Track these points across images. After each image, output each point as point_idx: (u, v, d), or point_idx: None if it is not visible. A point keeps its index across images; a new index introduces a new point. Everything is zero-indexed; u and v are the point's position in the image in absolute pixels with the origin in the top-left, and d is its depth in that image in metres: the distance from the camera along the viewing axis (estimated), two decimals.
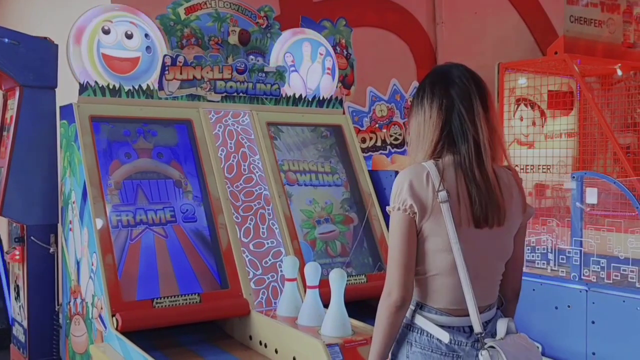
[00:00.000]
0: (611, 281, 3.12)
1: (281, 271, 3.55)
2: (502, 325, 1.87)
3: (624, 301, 3.02)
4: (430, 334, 1.87)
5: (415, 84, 5.41)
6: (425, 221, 1.82)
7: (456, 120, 1.85)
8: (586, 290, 3.17)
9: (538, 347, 3.39)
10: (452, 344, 1.85)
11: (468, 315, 1.84)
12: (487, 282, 1.92)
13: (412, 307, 1.91)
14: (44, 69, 3.79)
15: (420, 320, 1.89)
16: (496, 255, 1.93)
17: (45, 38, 3.86)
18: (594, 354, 3.13)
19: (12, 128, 3.78)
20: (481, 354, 1.80)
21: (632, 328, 2.98)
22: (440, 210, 1.81)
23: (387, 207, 1.90)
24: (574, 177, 3.32)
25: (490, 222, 1.85)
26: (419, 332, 1.89)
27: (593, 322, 3.14)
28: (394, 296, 1.83)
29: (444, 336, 1.85)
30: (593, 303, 3.14)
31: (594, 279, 3.18)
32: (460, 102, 1.86)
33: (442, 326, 1.86)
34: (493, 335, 1.87)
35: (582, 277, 3.20)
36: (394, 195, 1.86)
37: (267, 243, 3.68)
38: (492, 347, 1.79)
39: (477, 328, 1.84)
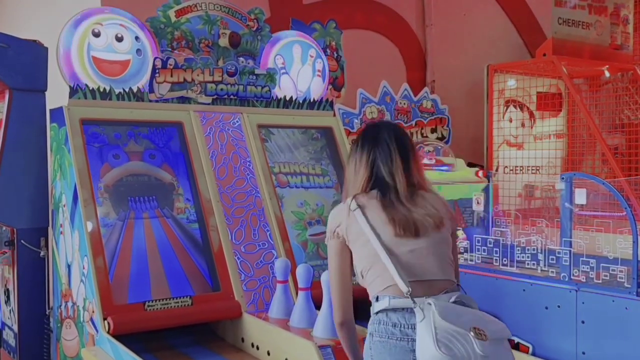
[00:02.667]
0: (600, 281, 3.14)
1: (273, 273, 3.55)
2: (452, 297, 2.06)
3: (613, 301, 3.04)
4: (386, 322, 2.05)
5: (406, 85, 5.44)
6: (349, 233, 2.16)
7: (380, 174, 2.22)
8: (576, 290, 3.19)
9: (528, 348, 3.41)
10: (405, 328, 2.02)
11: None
12: (427, 260, 2.12)
13: (372, 303, 2.14)
14: (33, 72, 3.77)
15: (374, 307, 2.10)
16: (432, 247, 2.16)
17: (35, 41, 3.84)
18: (584, 353, 3.15)
19: (2, 131, 3.76)
20: (415, 310, 1.98)
21: (622, 327, 3.01)
22: (355, 219, 2.14)
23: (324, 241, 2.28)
24: (563, 178, 3.34)
25: (417, 233, 2.14)
26: (377, 322, 2.08)
27: (583, 322, 3.16)
28: (337, 319, 2.24)
29: (402, 287, 2.02)
30: (583, 303, 3.16)
31: (583, 279, 3.20)
32: (383, 158, 2.23)
33: (394, 309, 2.05)
34: None
35: (572, 277, 3.22)
36: (327, 231, 2.24)
37: (259, 245, 3.69)
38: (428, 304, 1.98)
39: (404, 287, 2.02)
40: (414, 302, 2.00)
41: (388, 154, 2.23)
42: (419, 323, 1.95)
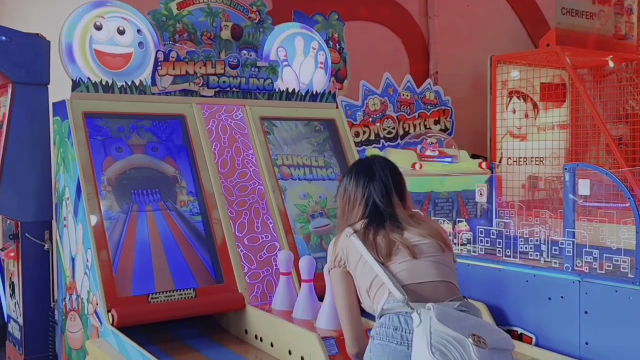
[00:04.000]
0: (604, 271, 3.13)
1: (276, 265, 3.56)
2: (456, 304, 2.08)
3: (616, 291, 3.04)
4: (387, 325, 2.05)
5: (408, 77, 5.43)
6: (351, 259, 2.21)
7: (375, 209, 2.29)
8: (579, 281, 3.19)
9: (531, 338, 3.41)
10: (406, 333, 2.01)
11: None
12: (428, 267, 2.16)
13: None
14: (36, 66, 3.77)
15: (381, 311, 2.11)
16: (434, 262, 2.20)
17: (37, 34, 3.85)
18: (587, 343, 3.15)
19: (5, 125, 3.77)
20: (413, 315, 1.97)
21: (625, 317, 3.00)
22: (354, 244, 2.20)
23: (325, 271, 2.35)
24: (566, 169, 3.34)
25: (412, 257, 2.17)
26: (380, 325, 2.09)
27: (586, 312, 3.16)
28: (351, 351, 2.21)
29: (397, 295, 2.06)
30: (586, 293, 3.16)
31: (586, 269, 3.20)
32: (379, 195, 2.31)
33: (397, 312, 2.06)
34: None
35: (575, 267, 3.22)
36: (328, 260, 2.31)
37: (262, 237, 3.69)
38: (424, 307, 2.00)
39: (397, 294, 2.06)
40: (410, 306, 2.02)
41: (384, 188, 2.33)
42: (416, 328, 1.92)
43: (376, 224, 2.25)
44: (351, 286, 2.23)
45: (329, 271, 2.30)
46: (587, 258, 3.21)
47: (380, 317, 2.12)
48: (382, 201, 2.30)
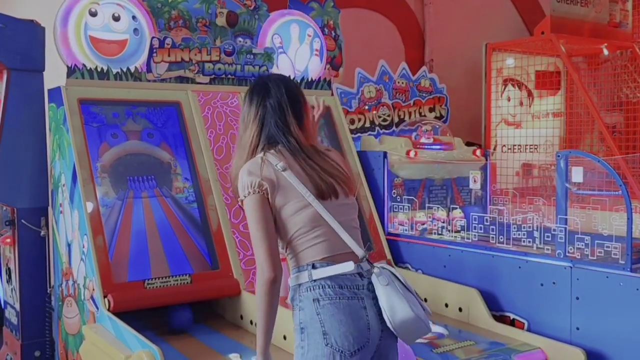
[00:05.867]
0: (595, 258, 3.17)
1: None
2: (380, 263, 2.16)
3: (607, 277, 3.07)
4: (332, 285, 2.04)
5: (404, 64, 5.43)
6: (277, 193, 2.07)
7: (273, 129, 2.16)
8: (571, 267, 3.22)
9: (523, 324, 3.45)
10: (354, 289, 2.06)
11: (349, 259, 2.08)
12: (349, 229, 2.15)
13: (305, 270, 2.08)
14: (31, 52, 3.77)
15: (318, 274, 2.06)
16: (351, 212, 2.23)
17: (32, 21, 3.84)
18: (578, 329, 3.19)
19: (1, 112, 3.77)
20: (374, 273, 2.07)
21: (615, 303, 3.04)
22: (285, 179, 2.08)
23: (239, 200, 2.14)
24: (559, 156, 3.36)
25: (336, 195, 2.16)
26: (321, 286, 2.05)
27: (577, 298, 3.20)
28: (266, 271, 2.03)
29: (348, 266, 2.05)
30: (577, 279, 3.19)
31: (578, 255, 3.23)
32: (274, 113, 2.17)
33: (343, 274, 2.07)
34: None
35: (567, 254, 3.25)
36: (241, 189, 2.10)
37: None
38: (382, 269, 2.09)
39: (359, 252, 2.10)
40: (374, 266, 2.11)
41: (280, 111, 2.18)
42: (384, 286, 2.04)
43: (291, 154, 2.14)
44: (268, 210, 2.08)
45: (242, 196, 2.10)
46: (579, 244, 3.25)
47: (317, 280, 2.05)
48: (278, 117, 2.17)
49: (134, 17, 3.69)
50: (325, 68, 4.52)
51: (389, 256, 4.07)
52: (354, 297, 2.05)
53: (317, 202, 2.09)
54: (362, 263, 2.11)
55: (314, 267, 2.07)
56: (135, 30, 3.70)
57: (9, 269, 3.98)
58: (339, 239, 2.11)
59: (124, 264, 3.33)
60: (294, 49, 4.31)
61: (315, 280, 2.05)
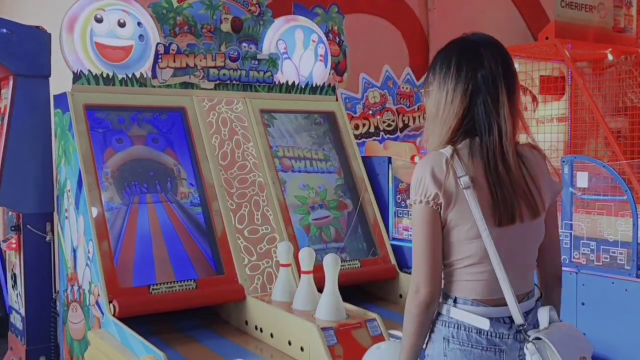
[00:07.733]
0: (601, 263, 3.16)
1: (276, 257, 3.58)
2: (544, 315, 1.73)
3: (613, 283, 3.06)
4: (469, 328, 1.74)
5: (408, 70, 5.44)
6: (451, 210, 1.71)
7: (481, 110, 1.72)
8: (576, 273, 3.21)
9: None
10: (493, 337, 1.72)
11: (505, 304, 1.72)
12: (521, 270, 1.79)
13: (445, 302, 1.79)
14: (37, 58, 3.79)
15: (456, 314, 1.76)
16: (530, 243, 1.82)
17: (38, 27, 3.86)
18: (584, 334, 3.18)
19: (7, 117, 3.79)
20: (526, 347, 1.68)
21: (621, 309, 3.03)
22: (464, 197, 1.70)
23: (408, 201, 1.84)
24: (564, 162, 3.36)
25: (520, 219, 1.74)
26: (456, 326, 1.75)
27: (583, 304, 3.18)
28: (422, 292, 1.73)
29: (484, 323, 1.72)
30: (583, 285, 3.18)
31: (584, 261, 3.22)
32: (486, 90, 1.72)
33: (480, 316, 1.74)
34: (535, 326, 1.74)
35: (573, 259, 3.24)
36: (415, 187, 1.74)
37: (262, 229, 3.72)
38: (537, 338, 1.67)
39: (518, 318, 1.72)
40: (526, 337, 1.70)
41: (495, 85, 1.72)
42: (533, 355, 1.67)
43: (486, 163, 1.71)
44: (438, 227, 1.73)
45: (413, 203, 1.76)
46: (584, 250, 3.23)
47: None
48: (490, 97, 1.71)
49: (139, 24, 3.71)
50: (329, 73, 4.52)
51: (393, 261, 4.07)
52: (492, 348, 1.73)
53: (488, 233, 1.70)
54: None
55: (455, 302, 1.77)
56: (141, 36, 3.71)
57: (15, 274, 3.99)
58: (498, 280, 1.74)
59: (129, 269, 3.33)
60: (299, 54, 4.32)
61: (452, 317, 1.77)
